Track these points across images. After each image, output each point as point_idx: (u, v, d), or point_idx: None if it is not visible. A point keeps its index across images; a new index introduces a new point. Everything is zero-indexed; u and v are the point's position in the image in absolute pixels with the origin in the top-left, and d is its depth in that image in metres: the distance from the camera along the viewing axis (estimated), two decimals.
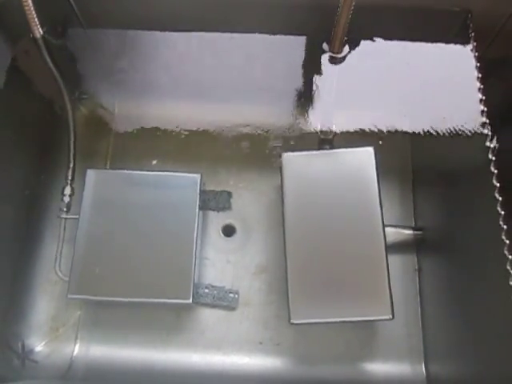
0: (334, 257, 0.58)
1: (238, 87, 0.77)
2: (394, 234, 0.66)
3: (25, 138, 0.70)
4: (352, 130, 0.73)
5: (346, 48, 0.69)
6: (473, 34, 0.60)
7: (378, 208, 0.59)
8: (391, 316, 0.56)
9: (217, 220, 0.71)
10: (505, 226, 0.48)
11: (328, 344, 0.64)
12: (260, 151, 0.74)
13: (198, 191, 0.64)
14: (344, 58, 0.70)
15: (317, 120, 0.74)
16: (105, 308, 0.66)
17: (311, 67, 0.73)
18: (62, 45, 0.71)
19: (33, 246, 0.68)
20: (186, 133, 0.75)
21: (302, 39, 0.71)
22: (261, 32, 0.69)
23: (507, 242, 0.47)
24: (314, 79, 0.73)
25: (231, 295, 0.66)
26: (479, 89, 0.55)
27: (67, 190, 0.69)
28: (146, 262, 0.61)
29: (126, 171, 0.66)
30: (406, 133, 0.72)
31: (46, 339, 0.65)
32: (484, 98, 0.55)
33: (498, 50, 0.65)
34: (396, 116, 0.72)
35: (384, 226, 0.59)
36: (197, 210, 0.63)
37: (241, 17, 0.68)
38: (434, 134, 0.66)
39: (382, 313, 0.56)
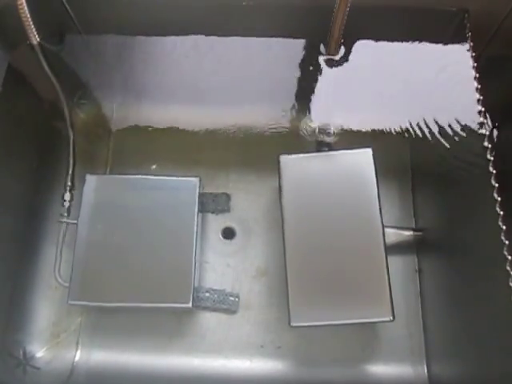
0: (334, 259, 0.58)
1: (235, 90, 0.77)
2: (394, 234, 0.66)
3: (24, 144, 0.70)
4: (350, 131, 0.73)
5: (343, 49, 0.69)
6: (470, 34, 0.60)
7: (378, 209, 0.59)
8: (392, 317, 0.55)
9: (216, 223, 0.70)
10: (504, 227, 0.48)
11: (329, 346, 0.64)
12: (258, 153, 0.74)
13: (197, 195, 0.64)
14: (341, 59, 0.70)
15: (315, 121, 0.74)
16: (106, 313, 0.66)
17: (309, 69, 0.72)
18: (60, 51, 0.71)
19: (33, 252, 0.68)
20: (185, 136, 0.75)
21: (300, 41, 0.71)
22: (258, 35, 0.69)
23: (507, 242, 0.47)
24: (311, 81, 0.73)
25: (231, 298, 0.66)
26: (477, 88, 0.55)
27: (67, 196, 0.69)
28: (146, 267, 0.61)
29: (124, 176, 0.66)
30: (404, 133, 0.72)
31: (47, 345, 0.65)
32: (482, 97, 0.54)
33: (495, 49, 0.64)
34: (394, 116, 0.72)
35: (384, 227, 0.59)
36: (196, 213, 0.63)
37: (238, 20, 0.68)
38: (432, 134, 0.66)
39: (383, 314, 0.56)
